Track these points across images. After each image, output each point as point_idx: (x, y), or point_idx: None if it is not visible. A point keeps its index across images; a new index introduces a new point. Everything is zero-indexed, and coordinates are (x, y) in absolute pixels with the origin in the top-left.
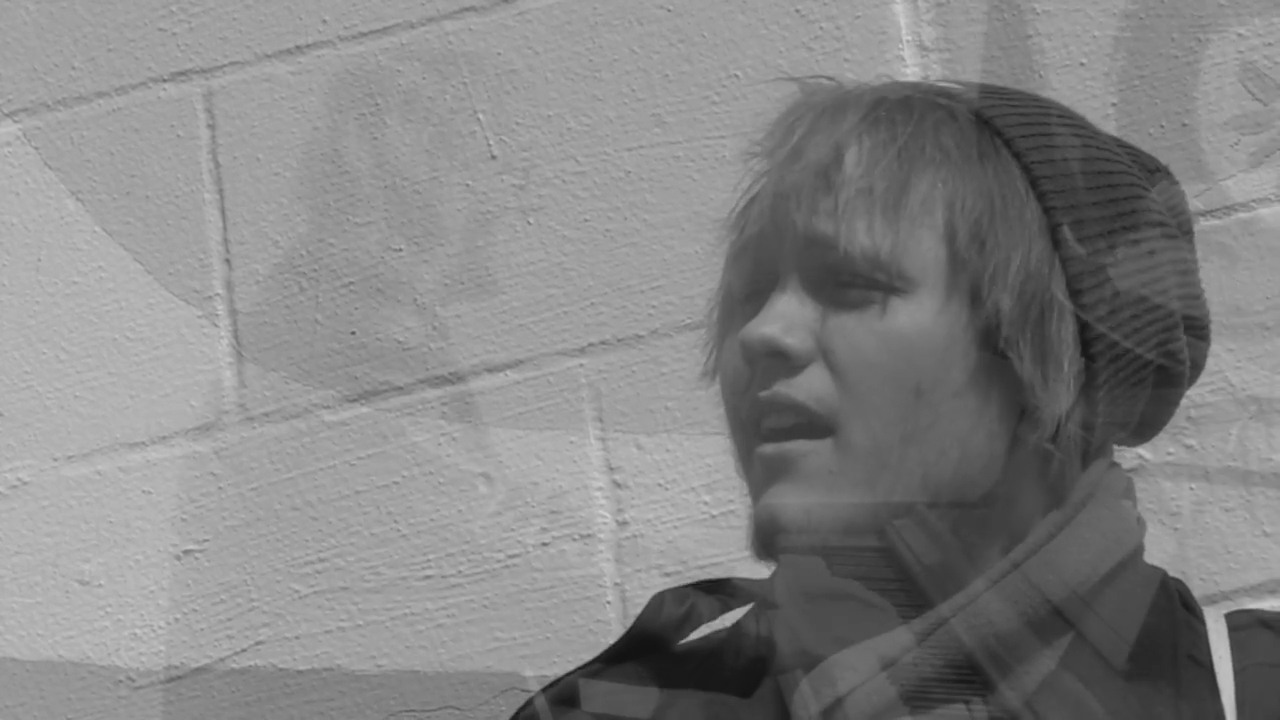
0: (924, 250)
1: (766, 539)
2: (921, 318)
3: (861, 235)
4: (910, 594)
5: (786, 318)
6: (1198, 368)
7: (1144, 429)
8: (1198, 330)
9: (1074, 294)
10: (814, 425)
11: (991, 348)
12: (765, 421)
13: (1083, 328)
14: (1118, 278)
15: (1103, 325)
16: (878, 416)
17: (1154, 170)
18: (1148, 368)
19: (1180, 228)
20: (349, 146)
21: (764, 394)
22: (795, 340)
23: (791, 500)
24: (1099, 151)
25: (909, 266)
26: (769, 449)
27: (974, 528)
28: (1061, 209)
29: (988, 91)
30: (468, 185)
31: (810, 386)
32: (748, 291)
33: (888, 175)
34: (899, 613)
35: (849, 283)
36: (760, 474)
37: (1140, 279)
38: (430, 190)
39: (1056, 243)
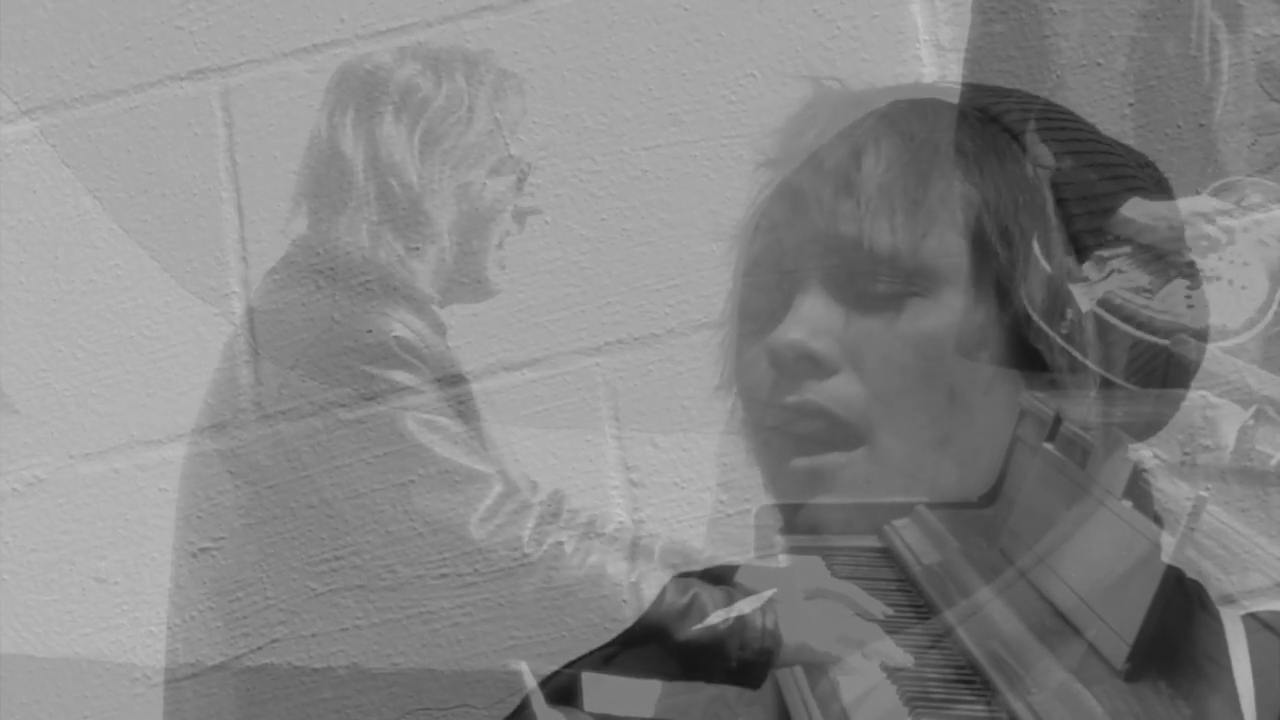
0: (948, 247)
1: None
2: (950, 317)
3: (885, 234)
4: (910, 595)
5: (812, 322)
6: (1198, 366)
7: (1147, 430)
8: (1199, 331)
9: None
10: (846, 435)
11: (1019, 340)
12: (795, 428)
13: (1102, 326)
14: (1135, 273)
15: (1125, 325)
16: (911, 422)
17: (1144, 165)
18: (1156, 366)
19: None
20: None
21: (792, 399)
22: (822, 346)
23: (833, 508)
24: (1100, 146)
25: (933, 264)
26: (803, 463)
27: (976, 529)
28: (1074, 201)
29: (990, 91)
30: (484, 184)
31: (838, 393)
32: (768, 299)
33: (906, 175)
34: (899, 614)
35: (874, 283)
36: (793, 488)
37: (1158, 276)
38: (446, 188)
39: (1075, 241)
